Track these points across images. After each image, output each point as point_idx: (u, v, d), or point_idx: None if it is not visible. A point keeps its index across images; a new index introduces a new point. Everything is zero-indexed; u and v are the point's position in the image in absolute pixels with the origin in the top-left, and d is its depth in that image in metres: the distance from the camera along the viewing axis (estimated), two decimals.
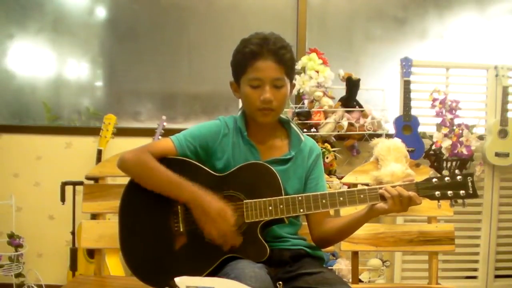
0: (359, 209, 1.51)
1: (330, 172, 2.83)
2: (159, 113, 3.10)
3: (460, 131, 2.94)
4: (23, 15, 3.28)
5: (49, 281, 3.07)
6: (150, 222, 1.50)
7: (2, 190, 3.10)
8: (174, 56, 3.31)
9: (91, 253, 2.65)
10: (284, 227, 1.54)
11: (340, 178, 2.34)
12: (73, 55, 3.33)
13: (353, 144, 3.02)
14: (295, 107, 2.99)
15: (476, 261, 3.12)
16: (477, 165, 3.03)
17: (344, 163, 3.05)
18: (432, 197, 1.43)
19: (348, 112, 2.94)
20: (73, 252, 2.75)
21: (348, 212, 1.62)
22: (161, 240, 1.48)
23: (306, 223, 1.63)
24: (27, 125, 3.24)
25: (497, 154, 3.00)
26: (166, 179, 1.46)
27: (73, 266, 2.75)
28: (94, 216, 2.17)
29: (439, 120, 3.00)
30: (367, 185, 1.85)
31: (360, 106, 2.98)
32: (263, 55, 1.47)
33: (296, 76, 2.91)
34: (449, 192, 1.42)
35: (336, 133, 2.92)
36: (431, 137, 3.01)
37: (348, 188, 1.66)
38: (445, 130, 2.96)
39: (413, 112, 2.98)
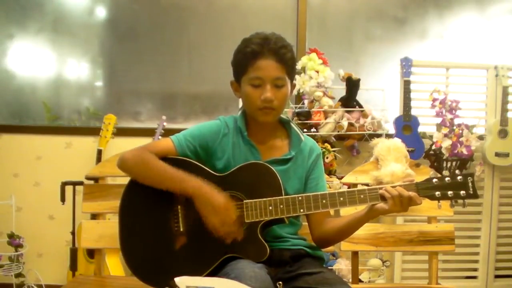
0: (359, 209, 1.51)
1: (330, 172, 2.83)
2: (159, 113, 3.10)
3: (460, 131, 2.94)
4: (23, 15, 3.28)
5: (49, 281, 3.07)
6: (150, 222, 1.50)
7: (2, 190, 3.10)
8: (174, 56, 3.31)
9: (91, 253, 2.65)
10: (284, 227, 1.54)
11: (340, 178, 2.33)
12: (73, 55, 3.33)
13: (353, 144, 3.02)
14: (295, 107, 2.99)
15: (476, 261, 3.12)
16: (477, 165, 3.03)
17: (344, 163, 3.05)
18: (432, 197, 1.43)
19: (348, 112, 2.94)
20: (73, 252, 2.75)
21: (348, 212, 1.62)
22: (161, 240, 1.48)
23: (307, 223, 1.63)
24: (27, 125, 3.24)
25: (497, 154, 3.00)
26: (168, 174, 1.46)
27: (73, 266, 2.75)
28: (94, 216, 2.17)
29: (439, 120, 3.00)
30: (367, 185, 1.85)
31: (360, 106, 2.98)
32: (264, 55, 1.47)
33: (296, 76, 2.91)
34: (450, 193, 1.42)
35: (336, 133, 2.92)
36: (431, 137, 3.01)
37: (348, 188, 1.66)
38: (445, 130, 2.96)
39: (413, 112, 2.98)
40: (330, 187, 2.54)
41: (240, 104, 1.63)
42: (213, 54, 3.26)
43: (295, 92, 2.95)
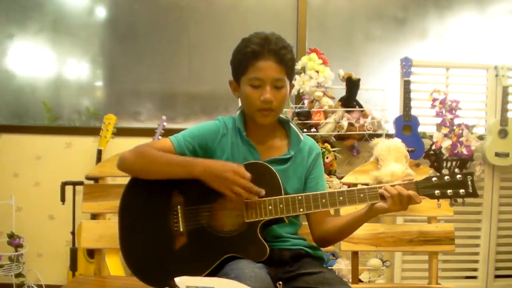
0: (359, 208, 1.51)
1: (330, 172, 2.83)
2: (159, 113, 3.10)
3: (460, 131, 2.94)
4: (23, 15, 3.28)
5: (49, 281, 3.07)
6: (150, 222, 1.50)
7: (2, 190, 3.10)
8: (174, 56, 3.31)
9: (91, 253, 2.65)
10: (284, 227, 1.54)
11: (340, 178, 2.34)
12: (73, 55, 3.33)
13: (353, 144, 3.02)
14: (295, 107, 2.99)
15: (476, 261, 3.12)
16: (477, 165, 3.03)
17: (344, 163, 3.05)
18: (431, 196, 1.42)
19: (348, 112, 2.94)
20: (73, 252, 2.75)
21: (348, 211, 1.62)
22: (161, 240, 1.48)
23: (307, 223, 1.63)
24: (27, 125, 3.24)
25: (497, 154, 3.00)
26: (171, 161, 1.47)
27: (73, 266, 2.75)
28: (94, 216, 2.17)
29: (439, 120, 3.00)
30: (367, 185, 1.85)
31: (360, 106, 2.98)
32: (264, 55, 1.47)
33: (296, 76, 2.91)
34: (449, 191, 1.42)
35: (336, 133, 2.92)
36: (431, 137, 3.01)
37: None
38: (445, 130, 2.96)
39: (413, 112, 2.98)
40: (330, 187, 2.54)
41: (240, 104, 1.63)
42: (213, 54, 3.26)
43: (295, 92, 2.95)
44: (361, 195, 1.43)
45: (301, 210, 1.45)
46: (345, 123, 2.89)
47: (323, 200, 1.45)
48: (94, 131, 3.06)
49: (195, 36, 3.32)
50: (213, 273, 1.39)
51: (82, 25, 3.30)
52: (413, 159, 2.30)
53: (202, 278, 1.26)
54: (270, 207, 1.44)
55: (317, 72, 2.92)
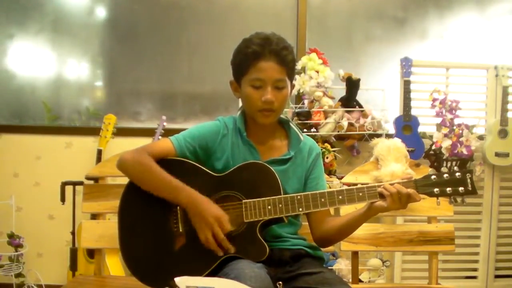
0: (359, 207, 1.51)
1: (330, 172, 2.83)
2: (159, 113, 3.10)
3: (460, 131, 2.94)
4: (23, 15, 3.28)
5: (49, 281, 3.07)
6: (150, 223, 1.50)
7: (2, 190, 3.10)
8: (174, 56, 3.31)
9: (91, 253, 2.65)
10: (284, 227, 1.54)
11: (340, 178, 2.34)
12: (73, 55, 3.33)
13: (353, 144, 3.02)
14: (295, 107, 2.99)
15: (476, 261, 3.11)
16: (477, 165, 3.03)
17: (344, 163, 3.05)
18: (431, 194, 1.42)
19: (348, 112, 2.94)
20: (73, 252, 2.75)
21: (348, 211, 1.62)
22: (160, 240, 1.48)
23: (307, 223, 1.63)
24: (27, 125, 3.25)
25: (497, 154, 3.00)
26: (164, 182, 1.46)
27: (73, 266, 2.75)
28: (94, 216, 2.17)
29: (439, 120, 3.00)
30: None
31: (360, 106, 2.98)
32: (265, 56, 1.47)
33: (296, 76, 2.91)
34: (448, 189, 1.41)
35: (336, 133, 2.92)
36: (431, 137, 3.01)
37: None
38: (445, 130, 2.96)
39: (413, 112, 2.98)
40: (330, 187, 2.52)
41: (240, 104, 1.63)
42: (213, 54, 3.27)
43: (295, 92, 2.95)
44: (360, 194, 1.43)
45: (300, 209, 1.45)
46: (345, 123, 2.89)
47: (322, 200, 1.45)
48: (94, 131, 3.06)
49: (195, 36, 3.32)
50: (213, 273, 1.39)
51: (82, 25, 3.31)
52: (413, 159, 2.30)
53: (202, 278, 1.26)
54: (269, 207, 1.44)
55: (317, 72, 2.92)
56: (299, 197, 1.45)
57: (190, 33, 3.33)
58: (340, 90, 3.03)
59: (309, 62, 2.96)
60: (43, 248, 3.14)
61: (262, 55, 1.47)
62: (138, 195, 1.51)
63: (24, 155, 3.15)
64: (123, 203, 1.53)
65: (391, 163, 1.93)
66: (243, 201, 1.45)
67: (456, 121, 2.98)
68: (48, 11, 3.29)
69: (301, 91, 2.96)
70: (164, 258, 1.47)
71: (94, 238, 1.86)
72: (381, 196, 1.42)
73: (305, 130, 2.81)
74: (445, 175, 1.42)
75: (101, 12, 3.36)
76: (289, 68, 1.51)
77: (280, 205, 1.44)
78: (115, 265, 2.73)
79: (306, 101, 3.00)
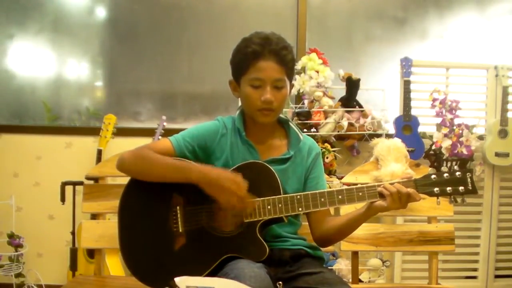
0: (359, 207, 1.51)
1: (330, 172, 2.83)
2: (159, 113, 3.10)
3: (460, 131, 2.94)
4: (23, 15, 3.28)
5: (49, 281, 3.07)
6: (149, 223, 1.50)
7: (2, 190, 3.10)
8: (174, 56, 3.31)
9: (91, 253, 2.65)
10: (284, 227, 1.54)
11: (340, 178, 2.34)
12: (73, 55, 3.33)
13: (353, 144, 3.02)
14: (295, 107, 2.99)
15: (476, 261, 3.11)
16: (477, 165, 3.03)
17: (344, 163, 3.05)
18: (431, 194, 1.42)
19: (348, 112, 2.94)
20: (73, 252, 2.75)
21: (348, 211, 1.62)
22: (160, 240, 1.48)
23: (307, 223, 1.63)
24: (27, 125, 3.25)
25: (497, 154, 3.00)
26: (170, 165, 1.47)
27: (73, 266, 2.75)
28: (94, 216, 2.17)
29: (439, 120, 3.00)
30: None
31: (360, 106, 2.98)
32: (264, 56, 1.47)
33: (296, 76, 2.91)
34: (448, 188, 1.41)
35: (336, 133, 2.92)
36: (431, 137, 3.01)
37: None
38: (445, 130, 2.96)
39: (413, 112, 2.98)
40: (330, 187, 2.53)
41: (240, 103, 1.63)
42: (213, 54, 3.26)
43: (295, 92, 2.95)
44: (360, 194, 1.43)
45: (300, 209, 1.45)
46: (345, 123, 2.89)
47: (322, 199, 1.45)
48: (94, 131, 3.06)
49: (195, 36, 3.32)
50: (213, 273, 1.39)
51: (82, 25, 3.30)
52: (413, 159, 2.30)
53: (202, 278, 1.26)
54: (269, 207, 1.44)
55: (317, 72, 2.92)
56: (298, 196, 1.45)
57: (190, 33, 3.33)
58: (340, 90, 3.03)
59: (309, 62, 2.95)
60: (43, 248, 3.14)
61: (262, 55, 1.47)
62: (138, 195, 1.52)
63: (24, 155, 3.15)
64: (123, 203, 1.53)
65: (391, 163, 1.92)
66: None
67: (456, 121, 2.98)
68: (48, 11, 3.29)
69: (301, 91, 2.96)
70: (164, 258, 1.47)
71: (94, 238, 1.86)
72: (381, 195, 1.41)
73: (305, 130, 2.81)
74: (445, 175, 1.42)
75: (101, 12, 3.36)
76: (289, 68, 1.51)
77: (280, 205, 1.44)
78: (115, 265, 2.73)
79: (306, 101, 3.00)
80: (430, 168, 1.59)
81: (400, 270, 3.06)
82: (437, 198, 1.44)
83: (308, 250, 1.56)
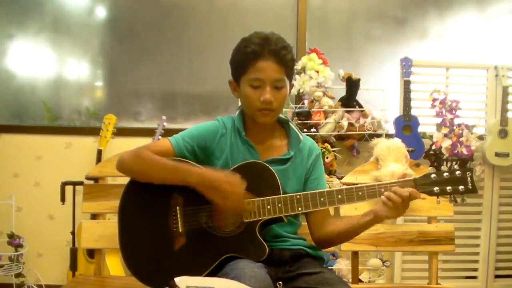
0: (358, 207, 1.50)
1: (330, 172, 2.83)
2: (159, 113, 3.10)
3: (460, 131, 2.94)
4: (23, 15, 3.28)
5: (49, 281, 3.07)
6: (149, 223, 1.50)
7: (2, 190, 3.10)
8: (174, 56, 3.31)
9: (91, 253, 2.65)
10: (284, 227, 1.54)
11: (340, 178, 2.34)
12: (73, 55, 3.33)
13: (353, 144, 3.02)
14: (295, 107, 2.99)
15: (476, 261, 3.11)
16: (477, 165, 3.03)
17: (344, 163, 3.05)
18: (431, 193, 1.41)
19: (348, 112, 2.94)
20: (73, 252, 2.75)
21: (348, 211, 1.62)
22: (160, 240, 1.48)
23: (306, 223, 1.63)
24: (27, 125, 3.24)
25: (497, 154, 3.00)
26: (169, 167, 1.47)
27: (73, 266, 2.75)
28: (94, 216, 2.17)
29: (439, 120, 3.00)
30: None
31: (360, 106, 2.98)
32: (264, 56, 1.47)
33: (296, 76, 2.92)
34: (448, 188, 1.40)
35: (336, 133, 2.92)
36: (431, 137, 3.01)
37: None
38: (445, 130, 2.96)
39: (413, 112, 2.98)
40: (330, 187, 2.54)
41: (240, 103, 1.63)
42: (213, 54, 3.26)
43: (295, 92, 2.95)
44: (360, 193, 1.43)
45: (300, 209, 1.45)
46: (345, 123, 2.89)
47: (322, 199, 1.44)
48: (94, 131, 3.06)
49: (196, 36, 3.32)
50: (213, 273, 1.39)
51: (82, 25, 3.30)
52: (413, 159, 2.30)
53: (202, 278, 1.26)
54: (268, 207, 1.44)
55: (317, 72, 2.92)
56: (298, 196, 1.45)
57: (190, 33, 3.33)
58: (340, 90, 3.03)
59: (309, 62, 2.96)
60: (43, 248, 3.14)
61: (261, 55, 1.47)
62: (138, 195, 1.52)
63: (24, 155, 3.15)
64: (123, 203, 1.53)
65: (391, 163, 1.93)
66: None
67: (456, 121, 2.98)
68: (48, 11, 3.29)
69: (301, 91, 2.96)
70: (164, 258, 1.47)
71: (94, 238, 1.86)
72: (385, 204, 1.40)
73: (305, 130, 2.81)
74: (445, 174, 1.41)
75: (101, 12, 3.36)
76: (288, 68, 1.51)
77: (279, 205, 1.44)
78: (115, 265, 2.73)
79: (306, 101, 3.00)
80: (430, 168, 1.58)
81: (400, 270, 3.06)
82: (437, 198, 1.44)
83: (308, 250, 1.56)
